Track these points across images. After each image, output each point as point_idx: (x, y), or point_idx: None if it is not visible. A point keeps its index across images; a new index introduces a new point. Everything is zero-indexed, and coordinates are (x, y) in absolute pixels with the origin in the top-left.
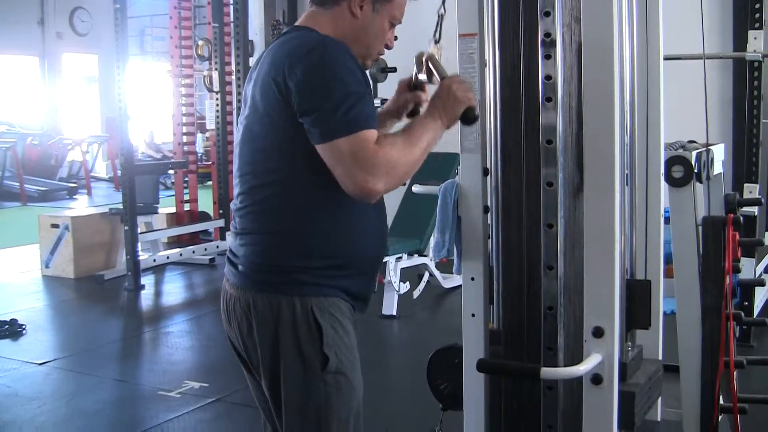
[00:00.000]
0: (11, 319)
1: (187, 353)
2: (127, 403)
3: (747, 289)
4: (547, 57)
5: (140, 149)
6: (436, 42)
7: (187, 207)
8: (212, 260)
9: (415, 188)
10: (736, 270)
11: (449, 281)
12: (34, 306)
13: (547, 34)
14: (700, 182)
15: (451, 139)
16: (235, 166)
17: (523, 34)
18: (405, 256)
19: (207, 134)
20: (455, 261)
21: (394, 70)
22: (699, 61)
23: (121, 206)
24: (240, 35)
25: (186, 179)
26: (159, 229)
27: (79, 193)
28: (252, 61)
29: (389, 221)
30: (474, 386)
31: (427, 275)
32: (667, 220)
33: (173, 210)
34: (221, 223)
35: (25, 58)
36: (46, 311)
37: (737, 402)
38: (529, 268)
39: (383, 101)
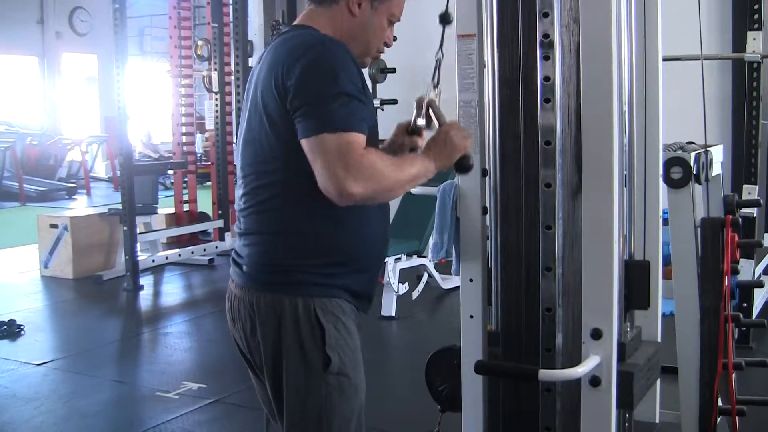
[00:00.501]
0: (10, 320)
1: (186, 354)
2: (125, 403)
3: (746, 290)
4: (546, 58)
5: (137, 149)
6: (435, 86)
7: (186, 207)
8: (211, 261)
9: (414, 189)
10: (735, 271)
11: (448, 282)
12: (32, 306)
13: (546, 35)
14: (699, 183)
15: None
16: (237, 167)
17: (521, 35)
18: (404, 257)
19: (206, 134)
20: (454, 262)
21: (393, 70)
22: (698, 62)
23: (120, 206)
24: (239, 35)
25: (185, 179)
26: (158, 230)
27: (78, 194)
28: (251, 61)
29: None
30: (472, 388)
31: (426, 276)
32: (665, 222)
33: (172, 210)
34: (220, 223)
35: (24, 58)
36: (44, 312)
37: (736, 404)
38: (528, 270)
39: (382, 101)
